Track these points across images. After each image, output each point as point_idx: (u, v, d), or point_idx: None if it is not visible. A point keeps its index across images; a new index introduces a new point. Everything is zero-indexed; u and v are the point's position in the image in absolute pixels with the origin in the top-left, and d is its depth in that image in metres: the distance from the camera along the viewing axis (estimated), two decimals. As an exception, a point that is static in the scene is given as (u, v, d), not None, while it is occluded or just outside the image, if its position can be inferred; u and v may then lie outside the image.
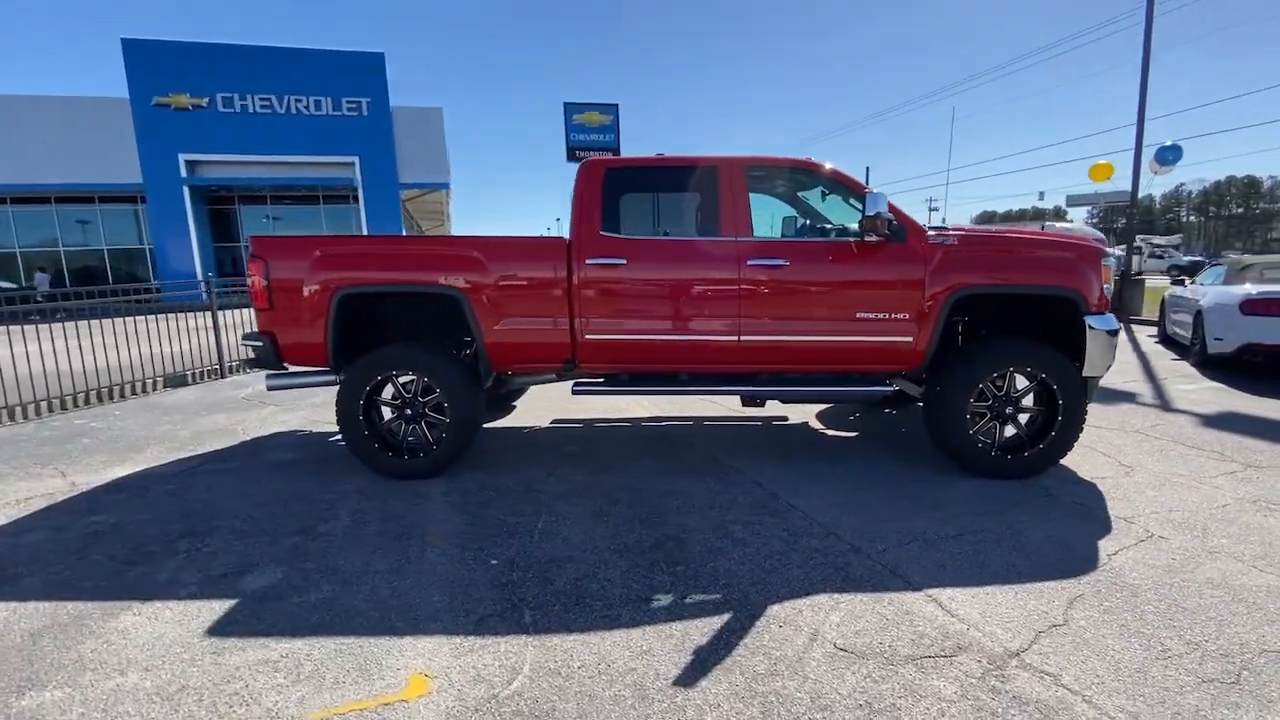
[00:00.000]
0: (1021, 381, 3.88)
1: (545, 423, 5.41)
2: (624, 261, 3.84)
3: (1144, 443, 4.55)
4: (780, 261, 3.78)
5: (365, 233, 25.07)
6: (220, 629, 2.42)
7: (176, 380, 7.22)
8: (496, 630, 2.38)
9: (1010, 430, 3.94)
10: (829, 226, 4.10)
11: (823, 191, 4.25)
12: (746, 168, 3.92)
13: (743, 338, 3.86)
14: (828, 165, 3.97)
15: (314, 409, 5.95)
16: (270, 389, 4.30)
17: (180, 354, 7.42)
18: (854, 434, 4.98)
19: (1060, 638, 2.28)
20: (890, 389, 4.00)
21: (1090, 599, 2.53)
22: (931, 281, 3.74)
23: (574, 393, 4.09)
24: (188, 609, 2.57)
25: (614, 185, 3.98)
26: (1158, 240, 37.20)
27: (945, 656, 2.19)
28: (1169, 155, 13.78)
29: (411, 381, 4.03)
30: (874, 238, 3.65)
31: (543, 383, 4.64)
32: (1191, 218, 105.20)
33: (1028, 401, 3.98)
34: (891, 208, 3.66)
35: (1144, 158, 13.41)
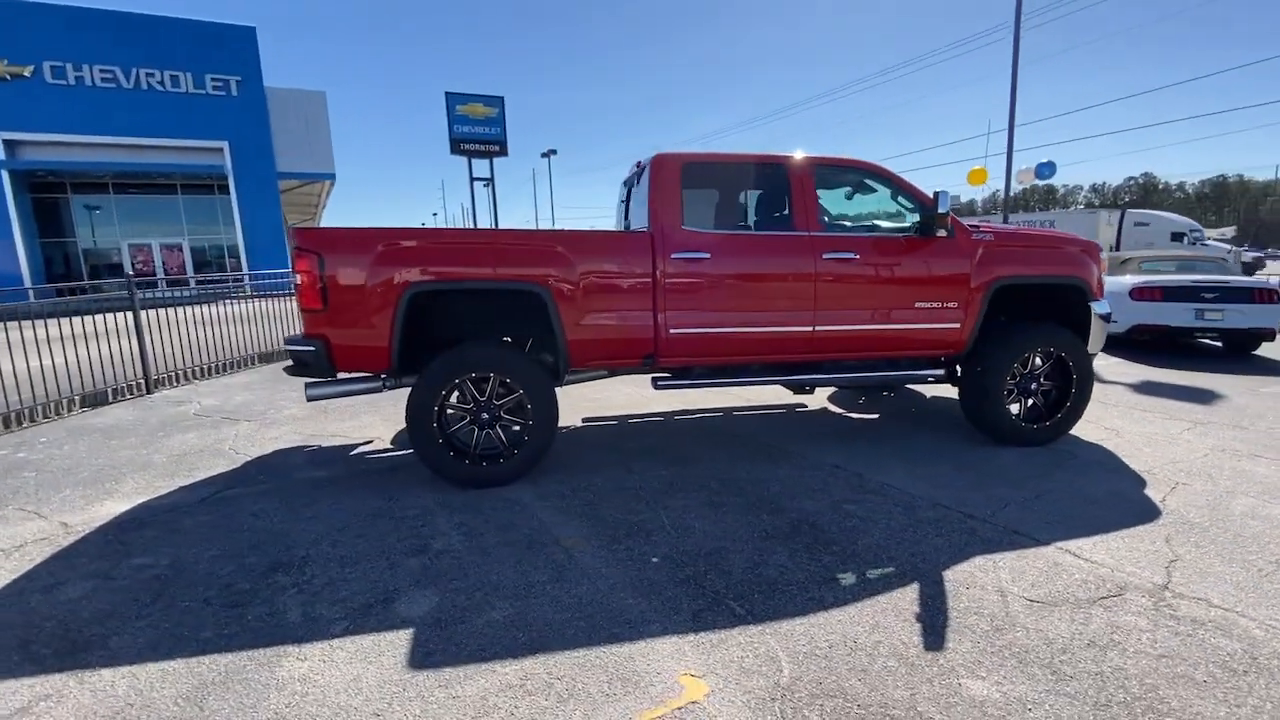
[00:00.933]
0: (1039, 361, 4.43)
1: (577, 422, 5.28)
2: (707, 256, 3.88)
3: (1106, 409, 5.37)
4: (851, 255, 4.03)
5: (239, 224, 22.50)
6: (423, 661, 2.19)
7: (96, 399, 6.11)
8: (719, 624, 2.38)
9: (1026, 404, 4.49)
10: (891, 224, 4.37)
11: (849, 190, 4.56)
12: (815, 165, 4.12)
13: (817, 328, 4.07)
14: (885, 167, 4.28)
15: (296, 422, 5.34)
16: (311, 399, 3.85)
17: (84, 366, 6.26)
18: (875, 415, 5.39)
19: (1185, 570, 2.71)
20: (941, 371, 4.40)
21: (1179, 537, 3.01)
22: (976, 274, 4.17)
23: (657, 387, 4.07)
24: (360, 646, 2.29)
25: (689, 180, 4.00)
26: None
27: (1116, 596, 2.52)
28: (1045, 170, 16.10)
29: (486, 383, 3.79)
30: (942, 233, 4.00)
31: (597, 379, 4.56)
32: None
33: (1043, 379, 4.56)
34: (938, 207, 4.06)
35: (1015, 163, 15.57)
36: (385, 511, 3.48)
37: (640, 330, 3.89)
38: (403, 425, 3.85)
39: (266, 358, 8.44)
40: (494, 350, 3.75)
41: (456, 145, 59.25)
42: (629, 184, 5.03)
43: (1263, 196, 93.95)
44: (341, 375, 3.82)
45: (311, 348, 3.59)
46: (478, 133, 60.22)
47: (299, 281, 3.53)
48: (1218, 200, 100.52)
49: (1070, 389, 4.40)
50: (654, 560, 2.88)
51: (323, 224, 36.73)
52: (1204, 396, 5.79)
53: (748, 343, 4.05)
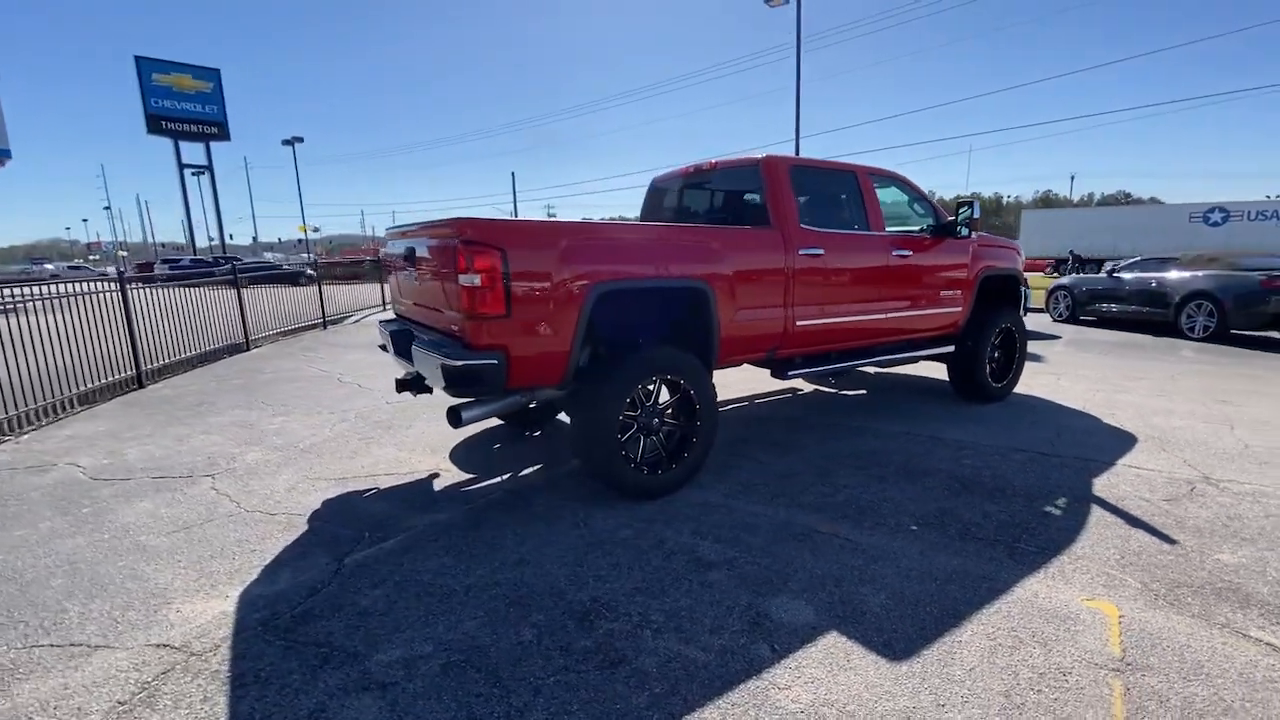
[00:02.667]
0: (1001, 336, 5.72)
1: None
2: (823, 252, 4.21)
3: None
4: (909, 252, 4.75)
5: None
6: (901, 651, 2.18)
7: None
8: (1037, 560, 2.80)
9: (990, 369, 5.77)
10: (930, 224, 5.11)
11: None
12: (874, 173, 4.73)
13: (888, 315, 4.70)
14: (906, 177, 5.08)
15: (284, 468, 4.14)
16: (466, 421, 3.20)
17: None
18: (863, 391, 6.28)
19: (1231, 467, 3.95)
20: (952, 347, 5.38)
21: (1197, 456, 4.32)
22: (972, 266, 5.25)
23: (786, 377, 4.26)
24: (818, 656, 2.16)
25: (795, 181, 4.28)
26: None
27: (1197, 486, 3.61)
28: None
29: (653, 387, 3.57)
30: (966, 233, 4.94)
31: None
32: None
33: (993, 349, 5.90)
34: (940, 210, 5.02)
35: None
36: (604, 537, 3.09)
37: (774, 323, 4.06)
38: (437, 447, 3.39)
39: (88, 398, 6.12)
40: (670, 351, 3.56)
41: (157, 123, 48.47)
42: (670, 186, 5.07)
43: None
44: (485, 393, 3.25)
45: (493, 360, 2.99)
46: (187, 110, 49.91)
47: (476, 283, 2.91)
48: None
49: (1014, 354, 5.79)
50: (913, 528, 3.16)
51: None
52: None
53: (845, 332, 4.50)
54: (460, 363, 2.97)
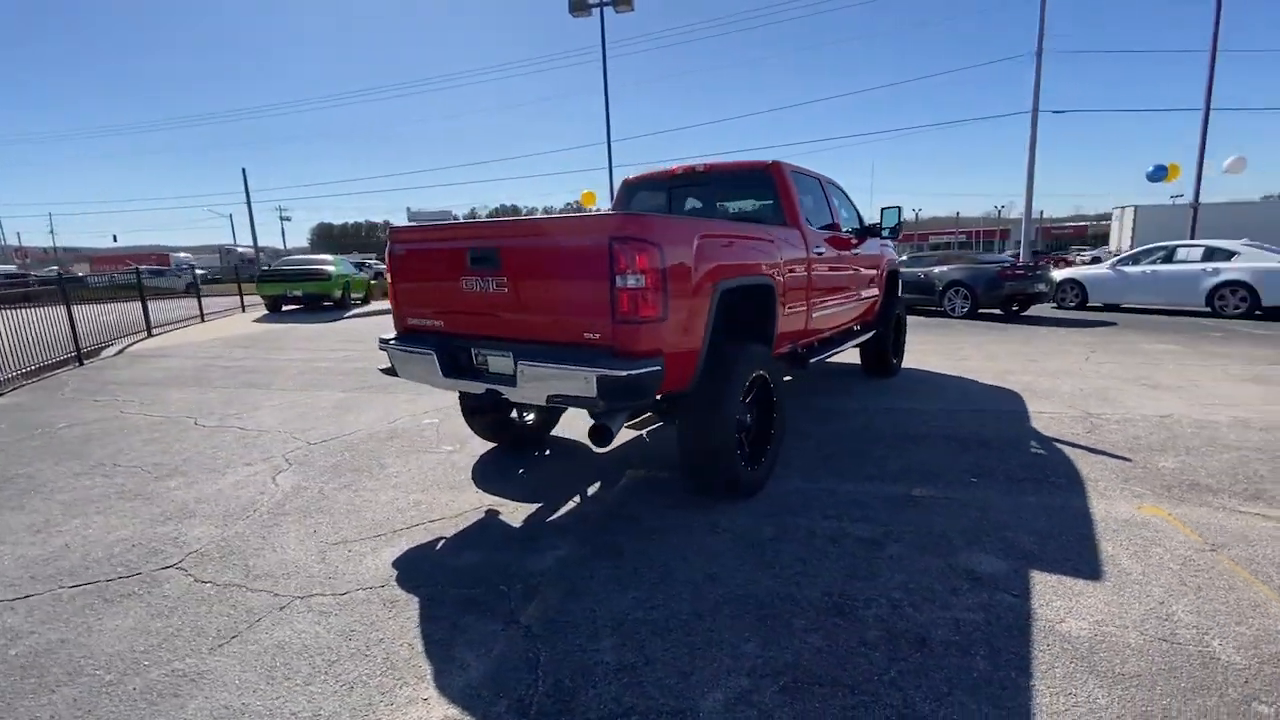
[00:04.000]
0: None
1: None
2: (824, 249, 4.64)
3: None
4: (859, 248, 5.44)
5: None
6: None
7: None
8: (1106, 489, 3.55)
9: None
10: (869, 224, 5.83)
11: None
12: (829, 180, 5.32)
13: (850, 305, 5.34)
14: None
15: (275, 523, 3.17)
16: (613, 436, 2.85)
17: None
18: (789, 378, 6.94)
19: (1090, 404, 5.32)
20: (874, 333, 6.26)
21: (1065, 399, 5.69)
22: (883, 261, 6.21)
23: (805, 367, 4.53)
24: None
25: (796, 184, 4.61)
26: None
27: (1166, 418, 4.86)
28: None
29: (754, 383, 3.56)
30: (889, 234, 5.80)
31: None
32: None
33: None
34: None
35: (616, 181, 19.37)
36: (754, 538, 3.03)
37: (801, 316, 4.35)
38: (449, 483, 3.15)
39: None
40: (760, 348, 3.58)
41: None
42: (652, 187, 5.08)
43: None
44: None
45: (655, 367, 2.73)
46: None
47: (640, 284, 2.64)
48: None
49: (902, 335, 6.99)
50: (973, 480, 3.73)
51: None
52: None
53: (832, 322, 5.00)
54: (625, 373, 2.66)
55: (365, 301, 18.78)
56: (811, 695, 1.97)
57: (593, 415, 2.93)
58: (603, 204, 22.49)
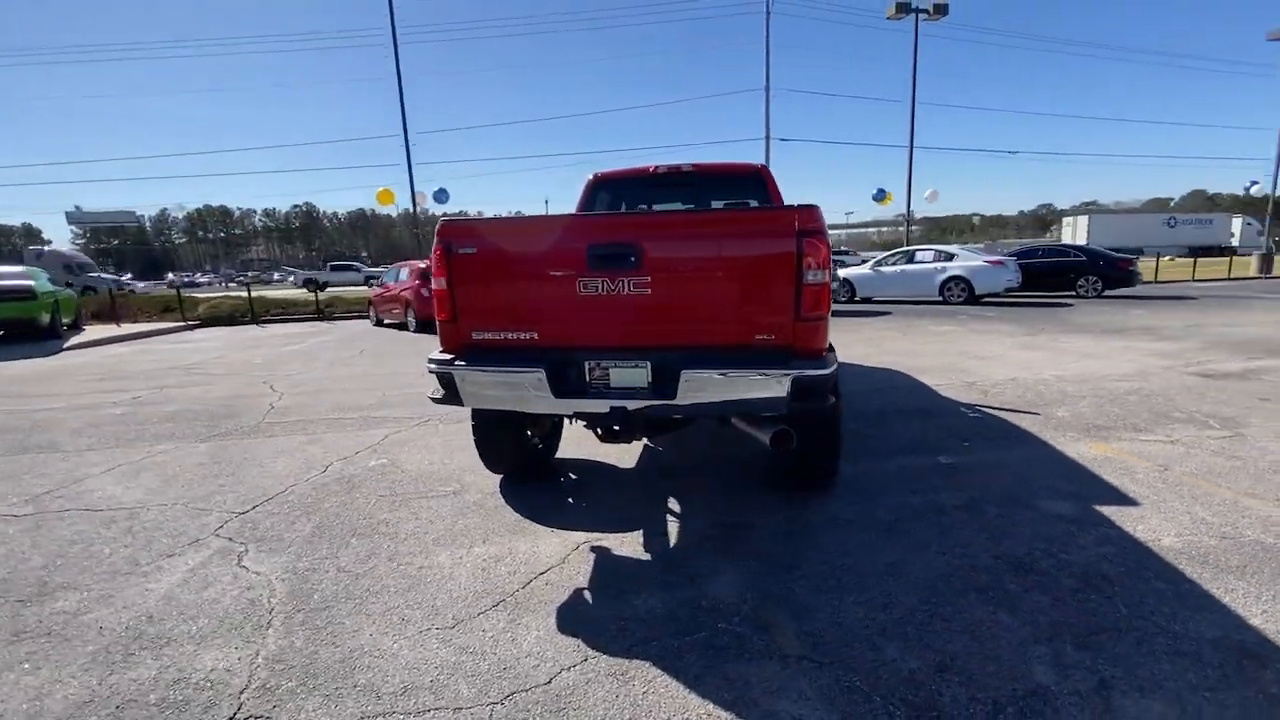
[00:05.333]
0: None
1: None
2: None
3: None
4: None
5: None
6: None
7: None
8: (1055, 437, 4.40)
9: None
10: None
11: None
12: None
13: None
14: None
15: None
16: (791, 447, 2.66)
17: None
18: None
19: (978, 374, 6.52)
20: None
21: (956, 371, 6.85)
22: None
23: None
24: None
25: (771, 187, 4.84)
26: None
27: (1138, 377, 6.04)
28: (442, 196, 18.55)
29: None
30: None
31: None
32: (181, 239, 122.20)
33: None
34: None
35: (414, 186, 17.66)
36: (877, 522, 3.15)
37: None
38: (505, 528, 3.04)
39: None
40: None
41: None
42: (626, 183, 4.92)
43: (391, 226, 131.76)
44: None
45: (836, 364, 2.67)
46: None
47: (823, 279, 2.54)
48: (364, 228, 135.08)
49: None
50: (965, 444, 4.36)
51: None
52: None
53: None
54: (822, 373, 2.56)
55: (76, 327, 14.17)
56: (1113, 642, 2.16)
57: (751, 423, 2.74)
58: (403, 203, 20.42)
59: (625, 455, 4.35)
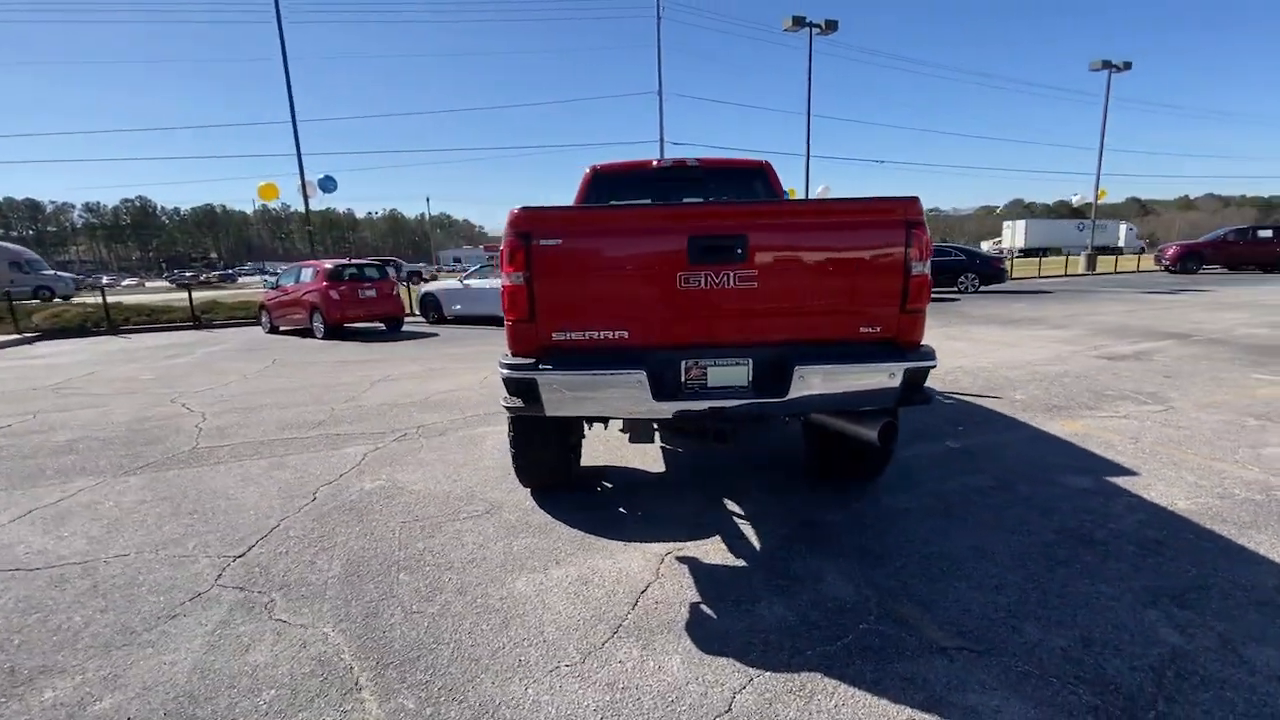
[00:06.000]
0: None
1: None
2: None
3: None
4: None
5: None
6: None
7: None
8: (1028, 417, 4.80)
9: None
10: None
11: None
12: None
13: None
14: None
15: None
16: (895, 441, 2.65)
17: None
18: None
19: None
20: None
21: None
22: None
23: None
24: None
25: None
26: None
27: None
28: (328, 184, 16.83)
29: None
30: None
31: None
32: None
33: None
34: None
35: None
36: (957, 509, 3.25)
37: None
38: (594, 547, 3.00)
39: None
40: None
41: None
42: (630, 176, 4.78)
43: (245, 224, 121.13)
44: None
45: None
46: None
47: (926, 270, 2.57)
48: (211, 226, 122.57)
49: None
50: (960, 429, 4.66)
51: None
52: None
53: None
54: (929, 364, 2.59)
55: None
56: (1204, 599, 2.36)
57: (850, 419, 2.71)
58: (287, 198, 18.41)
59: (649, 460, 4.19)
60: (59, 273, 28.37)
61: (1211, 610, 2.32)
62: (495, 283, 13.32)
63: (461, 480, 3.91)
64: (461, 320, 13.67)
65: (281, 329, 13.16)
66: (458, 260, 60.81)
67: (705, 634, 2.28)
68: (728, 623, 2.35)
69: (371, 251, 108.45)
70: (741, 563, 2.80)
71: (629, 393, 2.52)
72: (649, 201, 4.42)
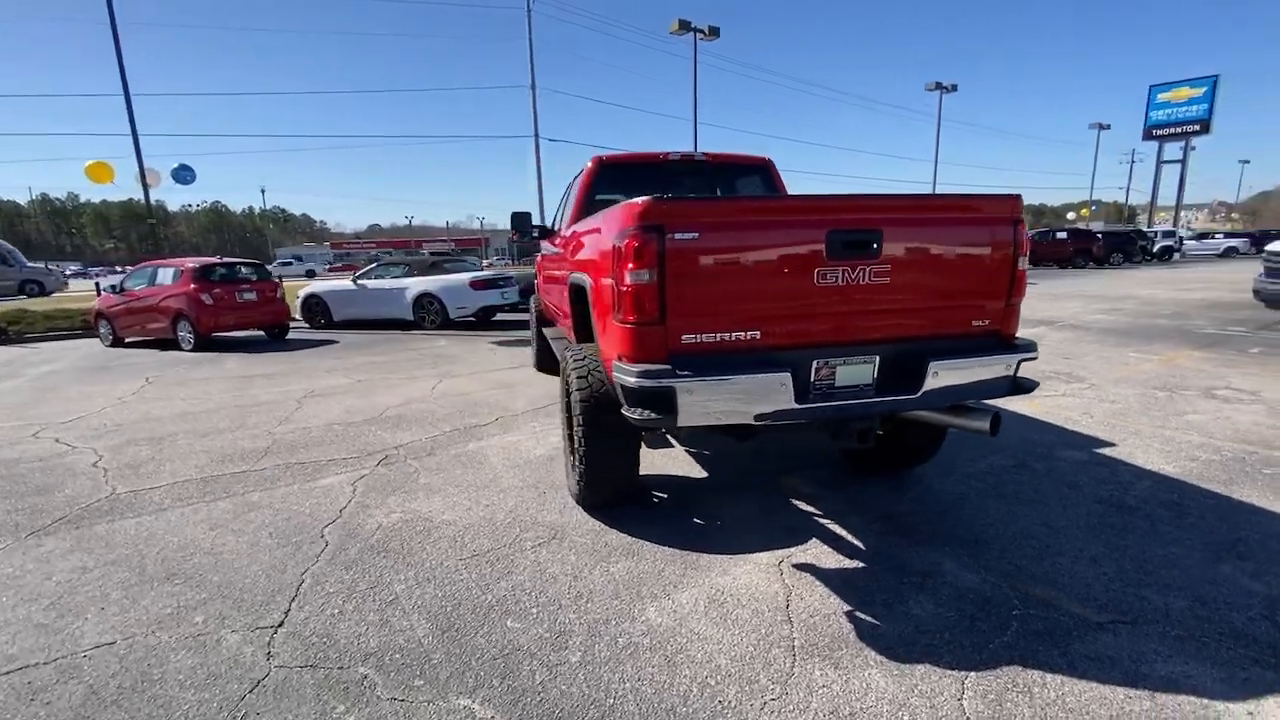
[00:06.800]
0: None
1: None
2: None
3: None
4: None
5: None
6: None
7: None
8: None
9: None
10: None
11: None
12: None
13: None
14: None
15: None
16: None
17: None
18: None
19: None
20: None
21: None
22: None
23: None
24: None
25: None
26: None
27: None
28: (185, 176, 14.24)
29: None
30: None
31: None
32: None
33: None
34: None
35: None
36: (1010, 488, 3.46)
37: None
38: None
39: None
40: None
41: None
42: (636, 167, 4.61)
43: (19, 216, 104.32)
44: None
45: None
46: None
47: (1026, 264, 2.68)
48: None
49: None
50: (943, 413, 5.02)
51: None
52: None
53: None
54: (1034, 354, 2.71)
55: None
56: (1255, 550, 2.72)
57: (959, 413, 2.77)
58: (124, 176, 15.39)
59: (682, 464, 4.02)
60: (49, 265, 22.73)
61: (1265, 558, 2.68)
62: (395, 283, 12.19)
63: (493, 505, 3.48)
64: (354, 325, 12.37)
65: (128, 340, 11.02)
66: (297, 258, 54.70)
67: (884, 642, 2.21)
68: (893, 626, 2.30)
69: (192, 249, 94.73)
70: (858, 563, 2.76)
71: (771, 396, 2.37)
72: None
